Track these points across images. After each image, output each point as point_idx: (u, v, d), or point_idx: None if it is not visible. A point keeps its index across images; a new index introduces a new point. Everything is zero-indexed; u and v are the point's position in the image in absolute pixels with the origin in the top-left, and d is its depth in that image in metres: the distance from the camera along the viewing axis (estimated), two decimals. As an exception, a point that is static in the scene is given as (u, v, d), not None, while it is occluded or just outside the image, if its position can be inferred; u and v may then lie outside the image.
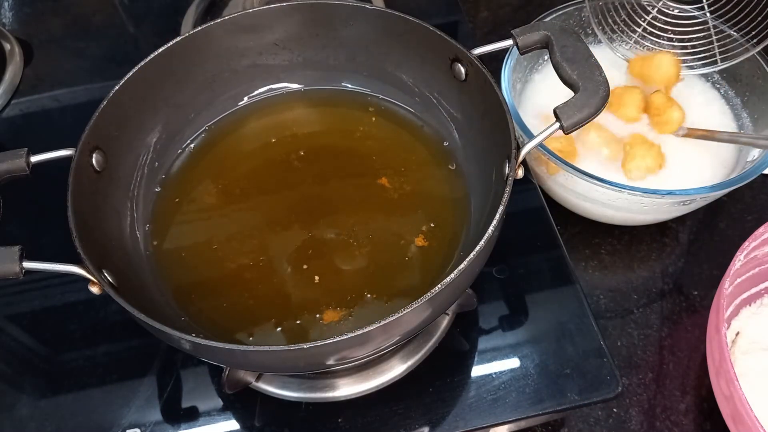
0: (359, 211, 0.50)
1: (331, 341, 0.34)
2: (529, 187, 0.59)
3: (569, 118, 0.39)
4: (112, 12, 0.81)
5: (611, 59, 0.65)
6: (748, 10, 0.59)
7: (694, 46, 0.63)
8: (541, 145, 0.43)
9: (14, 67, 0.74)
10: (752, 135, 0.60)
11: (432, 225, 0.49)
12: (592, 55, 0.41)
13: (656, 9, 0.64)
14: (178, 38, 0.50)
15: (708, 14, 0.62)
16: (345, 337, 0.34)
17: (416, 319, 0.38)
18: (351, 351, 0.38)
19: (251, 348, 0.35)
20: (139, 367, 0.51)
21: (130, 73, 0.48)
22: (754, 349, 0.53)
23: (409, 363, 0.49)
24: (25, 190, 0.56)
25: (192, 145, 0.55)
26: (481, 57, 0.46)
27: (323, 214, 0.50)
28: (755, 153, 0.57)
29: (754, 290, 0.55)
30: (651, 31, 0.64)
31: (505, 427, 0.49)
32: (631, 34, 0.65)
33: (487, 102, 0.45)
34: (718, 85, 0.65)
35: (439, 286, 0.36)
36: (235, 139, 0.55)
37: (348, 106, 0.56)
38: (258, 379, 0.49)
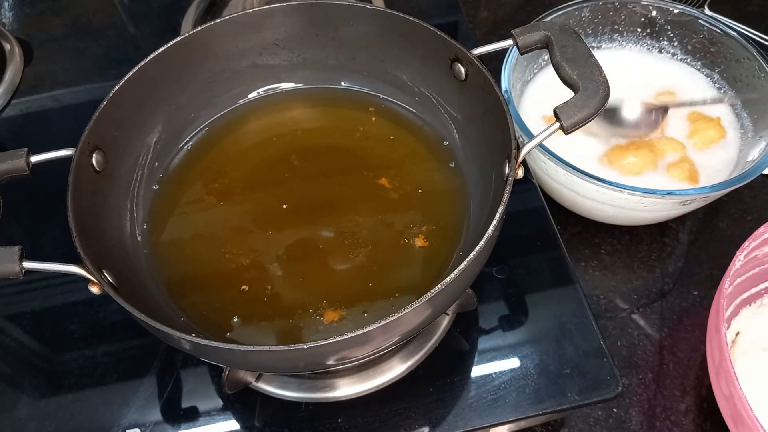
0: (359, 211, 0.50)
1: (331, 341, 0.34)
2: (529, 187, 0.59)
3: (569, 118, 0.39)
4: (112, 12, 0.81)
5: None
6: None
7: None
8: (541, 145, 0.43)
9: (14, 67, 0.74)
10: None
11: (432, 225, 0.49)
12: (592, 55, 0.41)
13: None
14: (178, 38, 0.50)
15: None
16: (345, 337, 0.34)
17: (416, 319, 0.38)
18: (351, 351, 0.38)
19: (251, 348, 0.35)
20: (139, 367, 0.51)
21: (130, 73, 0.48)
22: (754, 349, 0.53)
23: (409, 363, 0.49)
24: (25, 190, 0.56)
25: (192, 145, 0.55)
26: (481, 57, 0.46)
27: (323, 213, 0.50)
28: (755, 153, 0.57)
29: (754, 290, 0.55)
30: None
31: (505, 427, 0.49)
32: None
33: (487, 102, 0.45)
34: (718, 85, 0.65)
35: (439, 286, 0.36)
36: (234, 138, 0.55)
37: (348, 105, 0.56)
38: (258, 379, 0.49)
